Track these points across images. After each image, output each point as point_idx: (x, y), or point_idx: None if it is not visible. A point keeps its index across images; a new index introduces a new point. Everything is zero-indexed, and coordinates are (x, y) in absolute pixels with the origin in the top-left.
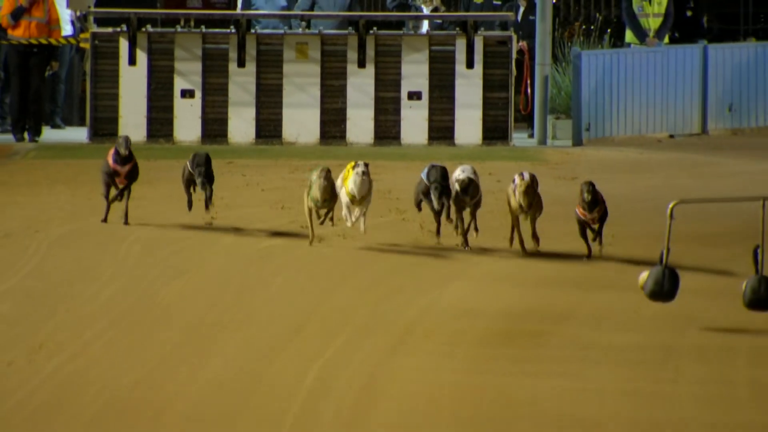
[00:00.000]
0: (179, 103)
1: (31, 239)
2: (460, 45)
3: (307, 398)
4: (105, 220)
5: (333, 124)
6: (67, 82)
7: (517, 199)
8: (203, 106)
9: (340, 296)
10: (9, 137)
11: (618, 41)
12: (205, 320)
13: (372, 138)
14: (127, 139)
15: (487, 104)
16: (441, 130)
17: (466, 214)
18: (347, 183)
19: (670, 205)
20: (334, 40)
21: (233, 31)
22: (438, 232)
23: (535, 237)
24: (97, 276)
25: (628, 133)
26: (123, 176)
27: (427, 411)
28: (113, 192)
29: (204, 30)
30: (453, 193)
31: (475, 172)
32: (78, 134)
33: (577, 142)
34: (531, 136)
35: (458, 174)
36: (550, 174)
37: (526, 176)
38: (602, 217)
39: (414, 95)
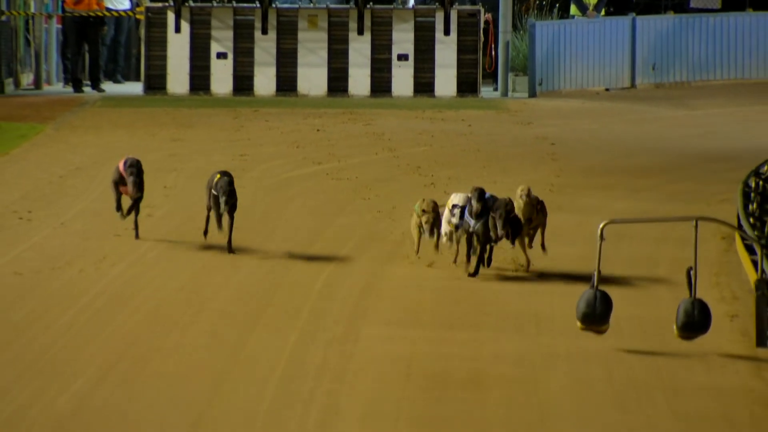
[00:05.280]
0: (215, 63)
1: (98, 171)
2: (439, 17)
3: (317, 298)
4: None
5: (337, 80)
6: (126, 46)
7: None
8: (234, 66)
9: (342, 218)
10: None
11: (564, 14)
12: (236, 237)
13: (369, 91)
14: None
15: (461, 64)
16: (423, 84)
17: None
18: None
19: (601, 226)
20: (338, 13)
21: (258, 5)
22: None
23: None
24: (149, 201)
25: (573, 87)
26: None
27: (414, 309)
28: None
29: (235, 5)
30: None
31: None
32: (135, 88)
33: (532, 94)
34: (495, 89)
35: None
36: (511, 120)
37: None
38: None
39: (402, 57)
